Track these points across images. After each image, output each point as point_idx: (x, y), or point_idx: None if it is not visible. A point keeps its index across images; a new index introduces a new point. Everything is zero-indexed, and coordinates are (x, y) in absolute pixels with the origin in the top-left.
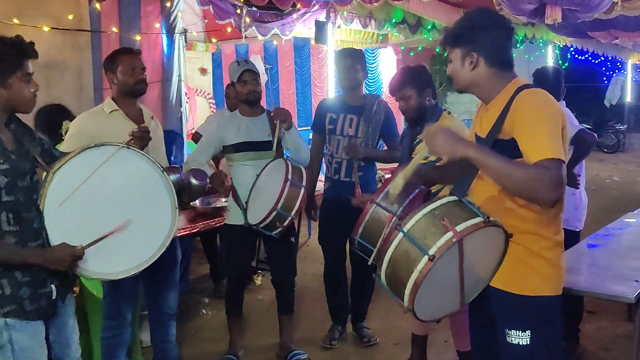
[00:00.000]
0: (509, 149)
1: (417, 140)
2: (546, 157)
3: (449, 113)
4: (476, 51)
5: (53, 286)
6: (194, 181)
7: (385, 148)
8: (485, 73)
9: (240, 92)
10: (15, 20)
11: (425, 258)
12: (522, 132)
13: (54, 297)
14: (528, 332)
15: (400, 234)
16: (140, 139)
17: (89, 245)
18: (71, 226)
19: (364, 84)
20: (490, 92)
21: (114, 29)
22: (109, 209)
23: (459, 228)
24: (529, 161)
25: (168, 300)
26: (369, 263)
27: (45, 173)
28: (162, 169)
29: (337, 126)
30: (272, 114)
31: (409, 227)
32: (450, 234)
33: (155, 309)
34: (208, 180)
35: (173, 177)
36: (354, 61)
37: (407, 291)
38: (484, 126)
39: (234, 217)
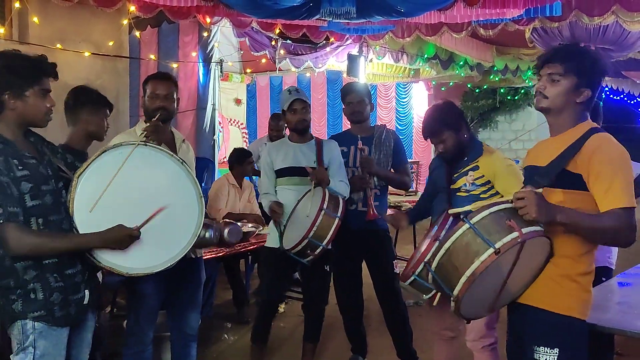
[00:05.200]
0: (573, 182)
1: (459, 173)
2: (619, 207)
3: (487, 145)
4: (589, 88)
5: (87, 291)
6: (226, 237)
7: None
8: (579, 107)
9: (290, 120)
10: (58, 45)
11: (491, 250)
12: (597, 178)
13: (85, 302)
14: (556, 350)
15: (466, 225)
16: (154, 133)
17: (143, 224)
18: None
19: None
20: (567, 123)
21: (152, 57)
22: (138, 206)
23: (524, 230)
24: (601, 207)
25: (190, 320)
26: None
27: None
28: (181, 160)
29: (350, 158)
30: (309, 174)
31: (475, 220)
32: (516, 234)
33: (177, 328)
34: (240, 238)
35: (205, 233)
36: (362, 95)
37: (463, 279)
38: (546, 156)
39: (272, 240)
